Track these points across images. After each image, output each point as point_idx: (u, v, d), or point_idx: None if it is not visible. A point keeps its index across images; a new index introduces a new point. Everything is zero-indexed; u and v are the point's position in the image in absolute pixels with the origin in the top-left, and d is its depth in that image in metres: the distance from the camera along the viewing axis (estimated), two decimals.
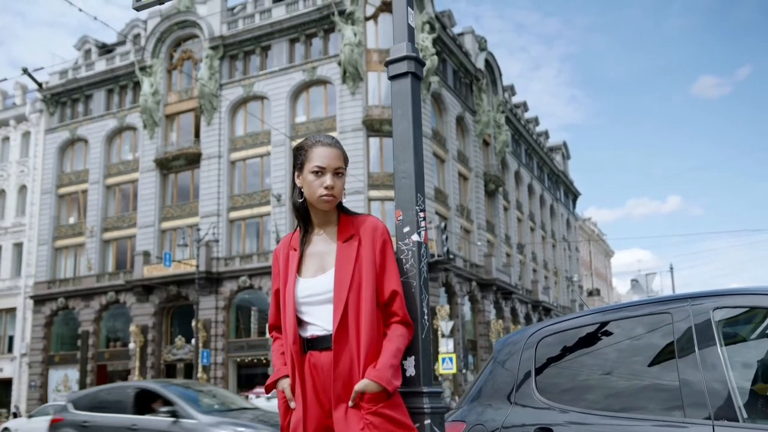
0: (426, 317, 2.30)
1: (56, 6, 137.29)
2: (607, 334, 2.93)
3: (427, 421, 2.19)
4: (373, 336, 2.21)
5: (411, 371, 2.28)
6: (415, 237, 2.30)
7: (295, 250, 2.40)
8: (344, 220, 2.37)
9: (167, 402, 9.35)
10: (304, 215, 2.42)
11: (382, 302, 2.26)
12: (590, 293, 75.35)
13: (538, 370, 3.07)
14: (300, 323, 2.33)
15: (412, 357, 2.28)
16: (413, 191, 2.29)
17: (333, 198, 2.30)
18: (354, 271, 2.26)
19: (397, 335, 2.23)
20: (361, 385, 2.16)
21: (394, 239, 2.35)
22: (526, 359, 3.14)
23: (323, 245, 2.36)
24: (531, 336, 3.21)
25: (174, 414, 9.12)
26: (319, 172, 2.30)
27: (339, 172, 2.31)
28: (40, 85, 15.39)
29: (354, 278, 2.25)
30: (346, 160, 2.36)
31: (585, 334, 3.00)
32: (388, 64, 2.51)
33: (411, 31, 2.54)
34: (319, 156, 2.31)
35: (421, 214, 2.31)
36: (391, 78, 2.49)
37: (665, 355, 2.67)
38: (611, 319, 2.96)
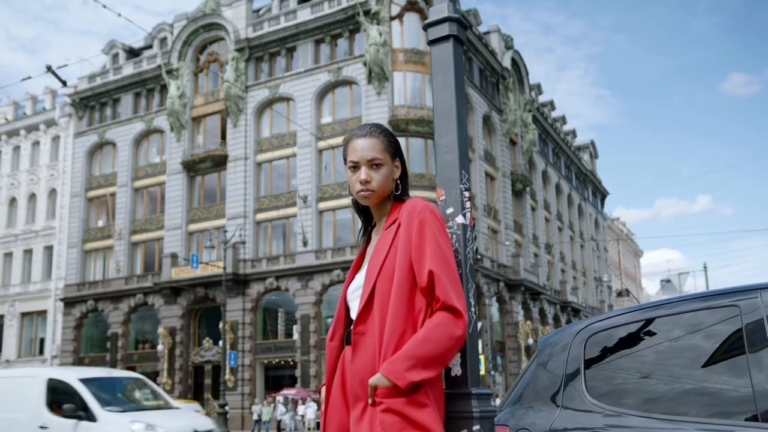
0: (473, 309, 2.02)
1: (88, 14, 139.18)
2: (665, 330, 2.66)
3: (476, 427, 1.91)
4: (399, 326, 1.94)
5: (457, 370, 1.99)
6: (459, 219, 2.05)
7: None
8: (394, 208, 2.18)
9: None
10: (364, 211, 2.31)
11: (423, 288, 1.98)
12: (619, 294, 74.39)
13: (588, 370, 2.81)
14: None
15: (458, 354, 2.01)
16: (457, 167, 2.04)
17: (371, 192, 2.13)
18: (386, 258, 2.05)
19: (431, 324, 1.92)
20: (373, 379, 1.91)
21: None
22: (574, 358, 2.89)
23: (377, 238, 2.21)
24: (579, 333, 2.95)
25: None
26: (354, 167, 2.16)
27: (376, 164, 2.13)
28: (64, 83, 15.28)
29: (385, 265, 2.04)
30: (388, 148, 2.16)
31: (639, 331, 2.74)
32: (426, 27, 2.28)
33: None
34: (353, 150, 2.16)
35: (466, 194, 2.05)
36: (431, 42, 2.25)
37: (732, 352, 2.41)
38: (668, 314, 2.69)
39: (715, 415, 2.33)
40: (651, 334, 2.74)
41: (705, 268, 31.97)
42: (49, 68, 14.32)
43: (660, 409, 2.44)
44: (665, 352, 2.62)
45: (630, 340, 2.77)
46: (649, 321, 2.74)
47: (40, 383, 9.19)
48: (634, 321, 2.77)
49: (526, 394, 3.06)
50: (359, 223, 2.36)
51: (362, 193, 2.13)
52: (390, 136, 2.19)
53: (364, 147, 2.13)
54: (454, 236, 2.06)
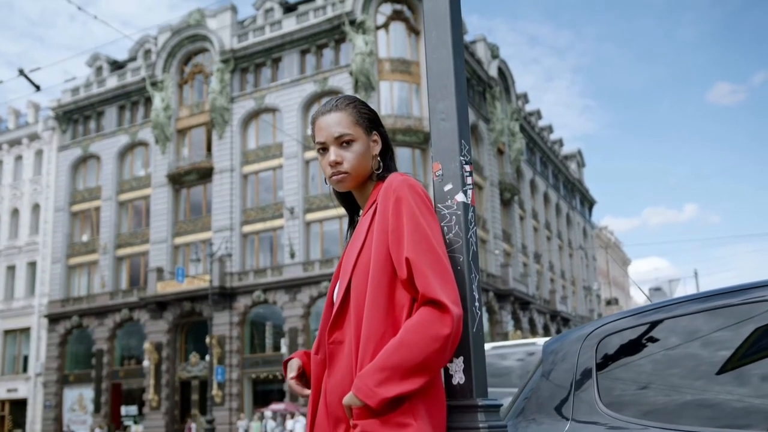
0: (478, 304, 1.67)
1: (75, 30, 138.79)
2: (693, 328, 2.37)
3: None
4: (376, 328, 1.60)
5: (459, 377, 1.65)
6: (459, 197, 1.71)
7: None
8: (375, 190, 1.85)
9: None
10: (346, 199, 2.00)
11: (403, 280, 1.63)
12: (608, 302, 74.28)
13: (601, 378, 2.50)
14: None
15: (461, 358, 1.66)
16: (456, 137, 1.71)
17: (344, 175, 1.81)
18: (362, 249, 1.72)
19: (409, 324, 1.57)
20: (346, 398, 1.58)
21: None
22: (583, 365, 2.58)
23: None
24: (588, 337, 2.64)
25: None
26: (323, 148, 1.84)
27: (346, 140, 1.80)
28: (37, 87, 15.01)
29: (360, 257, 1.71)
30: (360, 120, 1.84)
31: (661, 330, 2.44)
32: None
33: None
34: (319, 129, 1.85)
35: (467, 167, 1.73)
36: None
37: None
38: (697, 310, 2.39)
39: (725, 426, 2.04)
40: (677, 333, 2.44)
41: (696, 274, 31.85)
42: (21, 72, 14.02)
43: (691, 420, 2.14)
44: (694, 355, 2.32)
45: (651, 342, 2.48)
46: (672, 319, 2.45)
47: None
48: (654, 320, 2.48)
49: (529, 407, 2.76)
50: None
51: (334, 177, 1.82)
52: (361, 107, 1.88)
53: (330, 123, 1.82)
54: (454, 217, 1.72)
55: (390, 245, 1.66)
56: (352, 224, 2.00)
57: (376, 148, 1.88)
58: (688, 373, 2.28)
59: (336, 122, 1.82)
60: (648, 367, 2.40)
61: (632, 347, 2.50)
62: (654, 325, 2.48)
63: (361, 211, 1.93)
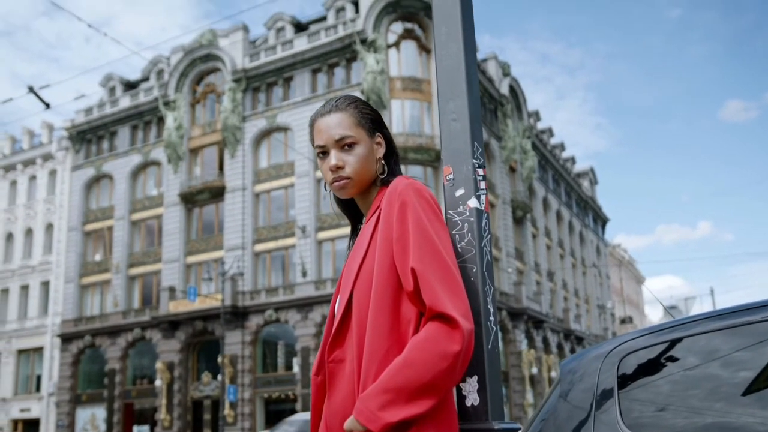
0: (492, 319, 1.53)
1: (90, 51, 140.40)
2: (726, 345, 2.22)
3: None
4: (379, 345, 1.47)
5: (473, 399, 1.51)
6: (472, 202, 1.58)
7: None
8: (379, 195, 1.72)
9: None
10: (349, 206, 1.88)
11: (409, 293, 1.49)
12: (623, 321, 73.57)
13: (622, 398, 2.36)
14: None
15: (475, 377, 1.51)
16: (468, 138, 1.57)
17: (346, 180, 1.68)
18: (365, 259, 1.59)
19: (415, 342, 1.43)
20: (347, 422, 1.45)
21: (442, 205, 1.63)
22: (605, 384, 2.43)
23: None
24: (609, 355, 2.48)
25: None
26: (323, 152, 1.72)
27: (348, 143, 1.67)
28: (47, 105, 15.08)
29: (363, 268, 1.58)
30: (362, 121, 1.71)
31: (690, 347, 2.29)
32: None
33: None
34: (318, 132, 1.72)
35: (480, 171, 1.59)
36: None
37: None
38: (712, 329, 2.25)
39: None
40: (694, 353, 2.30)
41: (712, 292, 31.38)
42: (31, 89, 14.07)
43: None
44: (714, 376, 2.18)
45: (670, 361, 2.34)
46: (702, 335, 2.30)
47: None
48: (681, 336, 2.33)
49: (547, 429, 2.62)
50: None
51: (336, 183, 1.69)
52: (363, 107, 1.75)
53: (330, 125, 1.69)
54: (466, 224, 1.58)
55: (394, 254, 1.53)
56: (355, 233, 1.87)
57: (380, 151, 1.75)
58: (708, 394, 2.14)
59: (336, 124, 1.69)
60: (667, 388, 2.26)
61: (652, 366, 2.36)
62: (674, 343, 2.34)
63: (364, 219, 1.80)
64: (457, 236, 1.59)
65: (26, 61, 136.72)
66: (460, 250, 1.57)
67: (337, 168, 1.67)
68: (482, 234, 1.55)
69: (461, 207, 1.60)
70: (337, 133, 1.68)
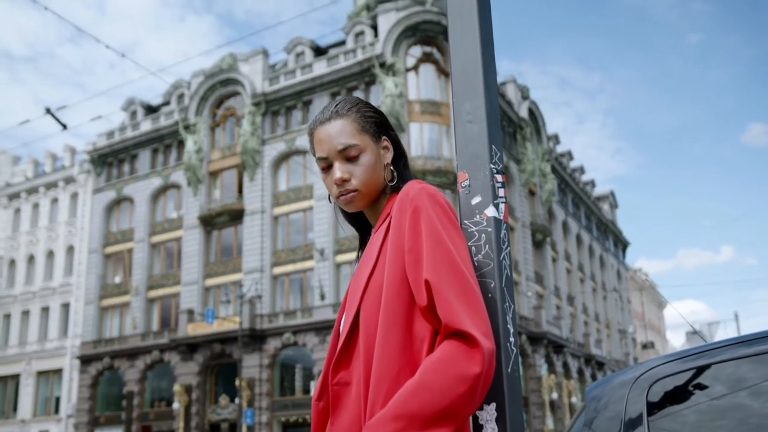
0: (513, 339, 1.36)
1: (115, 77, 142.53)
2: (753, 376, 2.07)
3: None
4: (389, 366, 1.31)
5: (491, 428, 1.32)
6: (490, 211, 1.41)
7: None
8: (389, 203, 1.55)
9: None
10: (356, 216, 1.71)
11: (423, 308, 1.33)
12: (644, 346, 72.57)
13: (652, 426, 2.21)
14: None
15: (493, 405, 1.32)
16: (485, 141, 1.42)
17: (353, 194, 1.52)
18: (374, 271, 1.43)
19: (429, 362, 1.26)
20: None
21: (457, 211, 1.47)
22: (634, 411, 2.29)
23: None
24: (637, 381, 2.34)
25: None
26: (325, 166, 1.56)
27: (353, 154, 1.52)
28: (64, 126, 15.20)
29: (372, 281, 1.42)
30: (366, 126, 1.55)
31: (725, 373, 2.14)
32: None
33: None
34: (319, 142, 1.56)
35: (499, 177, 1.43)
36: None
37: None
38: (754, 353, 2.10)
39: None
40: (735, 379, 2.14)
41: (736, 317, 30.79)
42: (48, 110, 14.20)
43: None
44: (755, 408, 2.03)
45: (707, 387, 2.18)
46: (729, 362, 2.16)
47: None
48: (709, 363, 2.19)
49: None
50: None
51: (342, 197, 1.53)
52: (366, 109, 1.58)
53: (331, 134, 1.52)
54: (483, 235, 1.41)
55: (406, 266, 1.37)
56: (363, 245, 1.71)
57: (388, 156, 1.58)
58: (737, 425, 1.99)
59: (338, 132, 1.53)
60: (694, 418, 2.11)
61: (680, 395, 2.22)
62: (701, 371, 2.20)
63: (372, 230, 1.63)
64: (473, 248, 1.42)
65: (52, 87, 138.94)
66: (476, 264, 1.39)
67: (343, 181, 1.52)
68: (501, 246, 1.40)
69: (478, 216, 1.43)
70: (340, 143, 1.52)
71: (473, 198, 1.42)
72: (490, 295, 1.37)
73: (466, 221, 1.44)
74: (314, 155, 1.59)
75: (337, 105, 1.57)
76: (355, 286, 1.46)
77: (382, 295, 1.38)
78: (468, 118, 1.43)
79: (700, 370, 2.20)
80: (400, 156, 1.62)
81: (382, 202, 1.59)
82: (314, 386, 34.10)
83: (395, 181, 1.58)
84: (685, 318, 3.07)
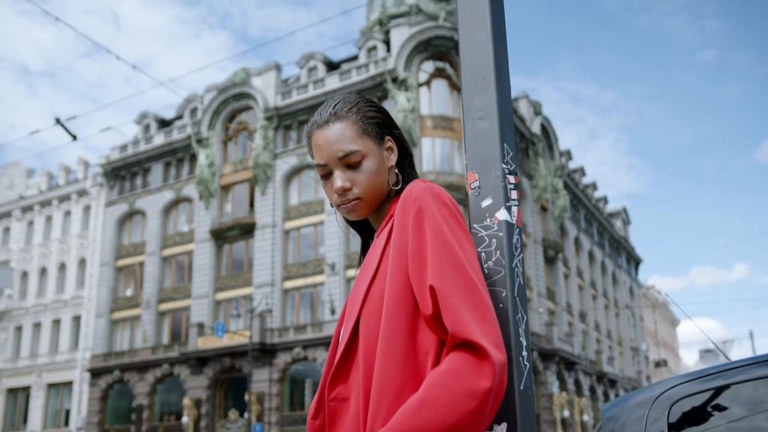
0: (525, 354, 1.23)
1: (129, 90, 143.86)
2: (757, 399, 1.96)
3: None
4: (391, 380, 1.19)
5: None
6: (501, 214, 1.29)
7: None
8: (392, 206, 1.43)
9: None
10: (359, 221, 1.57)
11: (428, 316, 1.22)
12: (657, 364, 71.86)
13: None
14: None
15: (504, 425, 1.20)
16: (497, 139, 1.30)
17: (356, 202, 1.41)
18: (375, 278, 1.31)
19: (435, 376, 1.15)
20: None
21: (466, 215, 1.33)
22: (655, 431, 2.18)
23: None
24: (657, 400, 2.23)
25: None
26: (324, 173, 1.45)
27: (354, 161, 1.40)
28: (74, 137, 15.24)
29: (373, 289, 1.30)
30: (367, 128, 1.43)
31: (733, 398, 2.03)
32: None
33: None
34: (317, 148, 1.44)
35: (511, 178, 1.31)
36: None
37: None
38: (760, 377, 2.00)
39: None
40: (753, 400, 2.03)
41: (751, 335, 30.43)
42: (57, 120, 14.25)
43: None
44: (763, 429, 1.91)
45: (725, 408, 2.07)
46: (747, 382, 2.05)
47: None
48: (728, 383, 2.07)
49: None
50: None
51: (344, 206, 1.42)
52: (367, 109, 1.45)
53: (331, 140, 1.41)
54: (494, 240, 1.29)
55: (410, 271, 1.25)
56: (365, 249, 1.58)
57: (392, 158, 1.46)
58: None
59: (338, 137, 1.41)
60: None
61: (698, 416, 2.11)
62: (719, 391, 2.09)
63: (375, 234, 1.51)
64: (483, 254, 1.30)
65: (68, 102, 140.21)
66: (486, 271, 1.28)
67: (345, 189, 1.41)
68: (513, 252, 1.28)
69: (488, 220, 1.31)
70: (341, 149, 1.40)
71: (483, 200, 1.29)
72: (501, 305, 1.25)
73: (475, 225, 1.31)
74: (312, 158, 1.48)
75: (335, 105, 1.46)
76: (356, 293, 1.35)
77: (383, 303, 1.27)
78: (478, 115, 1.31)
79: (719, 391, 2.10)
80: (405, 155, 1.50)
81: (386, 205, 1.47)
82: None
83: (400, 185, 1.46)
84: (706, 334, 2.95)
